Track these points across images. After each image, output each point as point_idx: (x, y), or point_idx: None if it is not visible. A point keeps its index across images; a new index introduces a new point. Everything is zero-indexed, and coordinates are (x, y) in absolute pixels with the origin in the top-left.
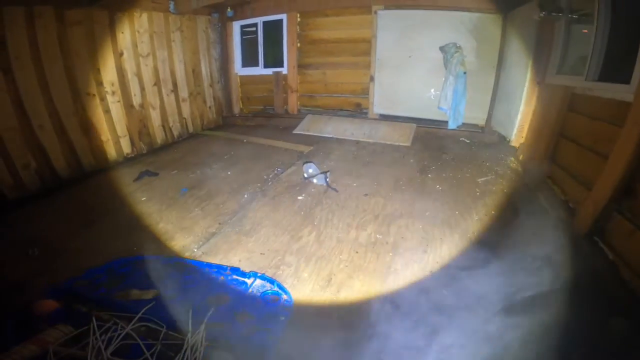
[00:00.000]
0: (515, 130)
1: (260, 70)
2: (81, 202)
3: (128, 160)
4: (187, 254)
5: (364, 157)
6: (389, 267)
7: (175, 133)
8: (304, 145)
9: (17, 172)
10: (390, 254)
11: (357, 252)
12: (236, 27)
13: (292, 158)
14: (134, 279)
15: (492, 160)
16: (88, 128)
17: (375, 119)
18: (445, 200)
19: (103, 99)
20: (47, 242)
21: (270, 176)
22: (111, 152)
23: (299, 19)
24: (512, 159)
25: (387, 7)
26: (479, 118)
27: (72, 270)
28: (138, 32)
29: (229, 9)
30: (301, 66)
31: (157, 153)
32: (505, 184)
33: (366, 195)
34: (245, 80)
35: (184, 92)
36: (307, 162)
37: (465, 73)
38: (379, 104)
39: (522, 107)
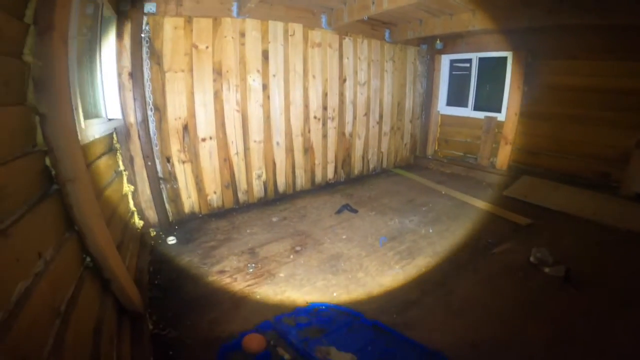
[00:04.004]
0: None
1: (467, 112)
2: (291, 224)
3: (328, 186)
4: (384, 318)
5: (615, 250)
6: None
7: (371, 166)
8: (519, 215)
9: (252, 180)
10: None
11: None
12: (445, 60)
13: (505, 229)
14: (332, 333)
15: None
16: (308, 149)
17: (631, 199)
18: None
19: (324, 124)
20: (261, 259)
21: (480, 247)
22: (318, 175)
23: (529, 59)
24: None
25: None
26: None
27: (281, 299)
28: (359, 58)
29: (438, 41)
30: (525, 114)
31: (353, 184)
32: None
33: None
34: (447, 121)
35: (386, 126)
36: (539, 247)
37: None
38: None
39: None
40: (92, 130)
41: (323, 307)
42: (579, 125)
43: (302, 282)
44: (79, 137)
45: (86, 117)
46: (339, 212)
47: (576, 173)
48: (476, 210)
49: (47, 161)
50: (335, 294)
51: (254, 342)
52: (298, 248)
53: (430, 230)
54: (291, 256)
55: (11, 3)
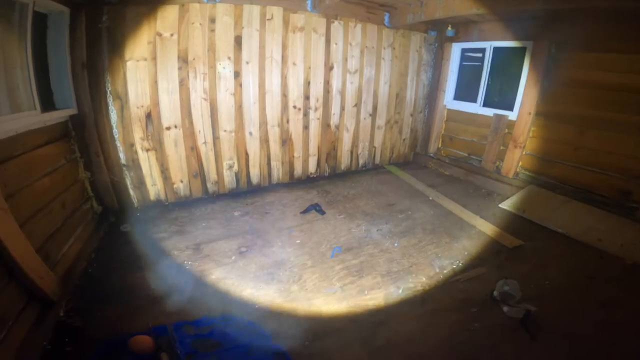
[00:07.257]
0: None
1: (476, 108)
2: (250, 220)
3: (308, 180)
4: (294, 344)
5: (605, 289)
6: None
7: (361, 161)
8: (510, 234)
9: (222, 171)
10: None
11: None
12: (456, 49)
13: (486, 251)
14: (228, 351)
15: None
16: (286, 141)
17: None
18: None
19: (306, 114)
20: (202, 257)
21: (445, 271)
22: (298, 168)
23: (553, 51)
24: None
25: None
26: None
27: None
28: (350, 44)
29: (449, 27)
30: (541, 114)
31: (336, 180)
32: None
33: None
34: (453, 116)
35: (381, 119)
36: (506, 278)
37: None
38: None
39: None
40: (13, 124)
41: (231, 320)
42: (604, 131)
43: (230, 288)
44: None
45: (11, 112)
46: (305, 212)
47: (593, 188)
48: (460, 224)
49: None
50: (257, 307)
51: (140, 344)
52: (244, 249)
53: (396, 244)
54: (233, 257)
55: None
